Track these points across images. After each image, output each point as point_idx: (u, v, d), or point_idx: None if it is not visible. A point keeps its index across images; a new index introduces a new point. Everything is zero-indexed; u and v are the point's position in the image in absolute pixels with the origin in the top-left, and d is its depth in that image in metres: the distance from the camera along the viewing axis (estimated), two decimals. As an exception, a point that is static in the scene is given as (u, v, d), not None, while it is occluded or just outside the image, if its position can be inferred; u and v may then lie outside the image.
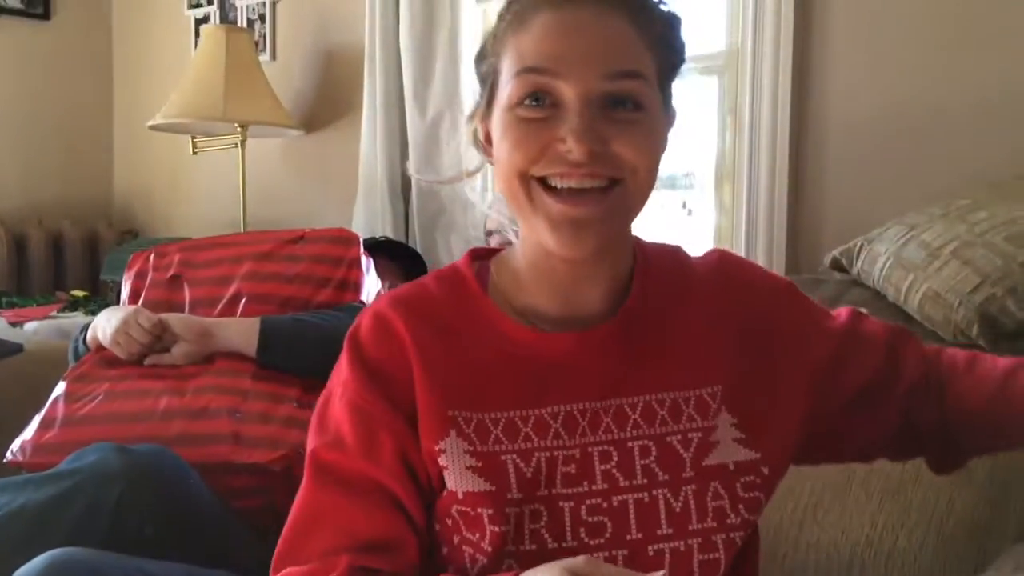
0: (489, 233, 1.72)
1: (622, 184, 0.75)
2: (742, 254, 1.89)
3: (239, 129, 2.61)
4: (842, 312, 0.92)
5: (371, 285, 1.77)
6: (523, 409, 0.80)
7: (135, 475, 1.26)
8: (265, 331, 1.57)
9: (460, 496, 0.77)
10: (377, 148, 2.40)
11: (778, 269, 1.80)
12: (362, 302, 1.71)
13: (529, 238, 0.81)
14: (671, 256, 0.89)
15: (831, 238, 1.68)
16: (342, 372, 0.83)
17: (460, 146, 2.28)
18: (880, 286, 1.45)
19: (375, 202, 2.42)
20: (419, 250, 2.19)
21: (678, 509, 0.78)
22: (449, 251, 2.35)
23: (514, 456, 0.78)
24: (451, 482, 0.78)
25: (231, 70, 2.56)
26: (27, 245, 3.12)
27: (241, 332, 1.58)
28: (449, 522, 0.79)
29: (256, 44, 2.85)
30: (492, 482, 0.77)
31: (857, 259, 1.52)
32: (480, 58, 0.83)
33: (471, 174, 0.91)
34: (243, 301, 1.67)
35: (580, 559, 0.64)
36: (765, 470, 0.81)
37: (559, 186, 0.74)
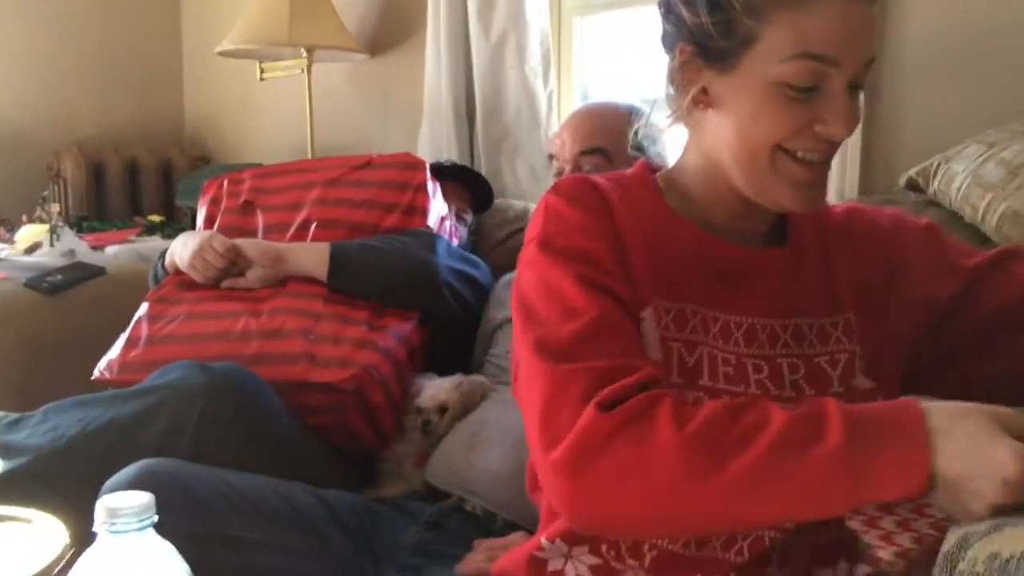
0: (551, 156, 1.70)
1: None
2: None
3: (305, 54, 2.62)
4: (996, 249, 0.94)
5: (437, 210, 1.79)
6: (691, 304, 0.85)
7: (216, 391, 1.31)
8: (336, 256, 1.60)
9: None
10: (442, 71, 2.38)
11: (850, 189, 1.75)
12: (428, 227, 1.73)
13: (714, 168, 0.87)
14: None
15: (907, 157, 1.62)
16: (561, 220, 0.85)
17: (524, 67, 2.25)
18: (957, 206, 1.41)
19: (440, 126, 2.41)
20: (484, 174, 2.18)
21: None
22: (515, 175, 2.33)
23: (680, 345, 0.83)
24: (646, 349, 0.82)
25: (296, -6, 2.55)
26: (105, 172, 3.20)
27: (312, 257, 1.62)
28: None
29: (320, -33, 2.83)
30: (665, 360, 0.82)
31: (934, 179, 1.47)
32: (715, 7, 0.81)
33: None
34: (313, 226, 1.70)
35: (1007, 410, 0.67)
36: (879, 399, 0.85)
37: (803, 156, 0.81)
